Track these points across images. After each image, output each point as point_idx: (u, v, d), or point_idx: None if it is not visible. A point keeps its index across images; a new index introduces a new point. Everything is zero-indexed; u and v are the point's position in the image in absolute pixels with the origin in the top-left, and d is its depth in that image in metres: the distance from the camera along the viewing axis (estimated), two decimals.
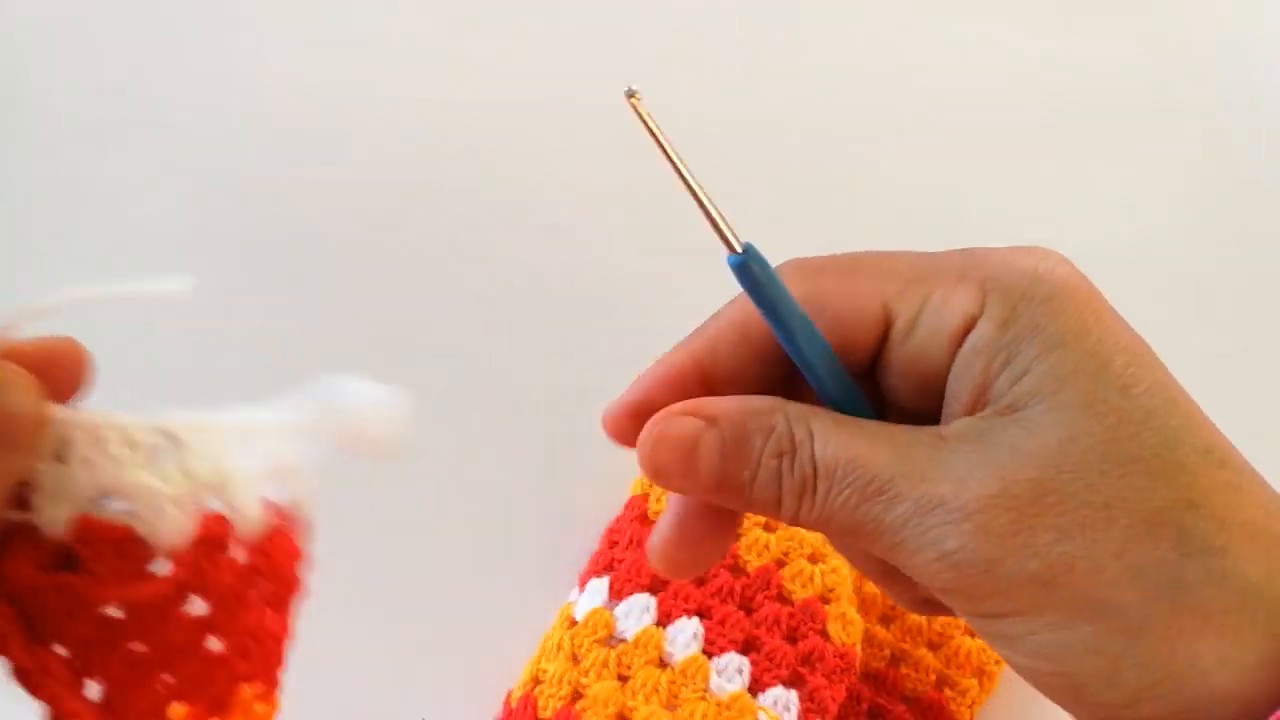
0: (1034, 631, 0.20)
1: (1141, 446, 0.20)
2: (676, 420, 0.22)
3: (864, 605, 0.40)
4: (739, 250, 0.22)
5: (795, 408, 0.22)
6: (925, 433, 0.21)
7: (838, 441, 0.21)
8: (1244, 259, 0.45)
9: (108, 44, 0.47)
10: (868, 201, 0.46)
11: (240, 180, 0.45)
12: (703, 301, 0.24)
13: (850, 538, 0.22)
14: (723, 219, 0.22)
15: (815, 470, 0.21)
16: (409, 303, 0.44)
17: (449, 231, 0.46)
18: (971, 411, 0.21)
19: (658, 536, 0.24)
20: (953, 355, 0.21)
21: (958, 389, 0.21)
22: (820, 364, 0.22)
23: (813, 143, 0.47)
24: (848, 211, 0.45)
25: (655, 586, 0.38)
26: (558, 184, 0.47)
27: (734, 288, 0.23)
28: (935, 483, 0.20)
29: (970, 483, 0.20)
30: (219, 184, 0.45)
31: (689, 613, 0.38)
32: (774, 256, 0.22)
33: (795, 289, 0.22)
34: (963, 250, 0.22)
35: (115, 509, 0.20)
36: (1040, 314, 0.21)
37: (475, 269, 0.45)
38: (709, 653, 0.37)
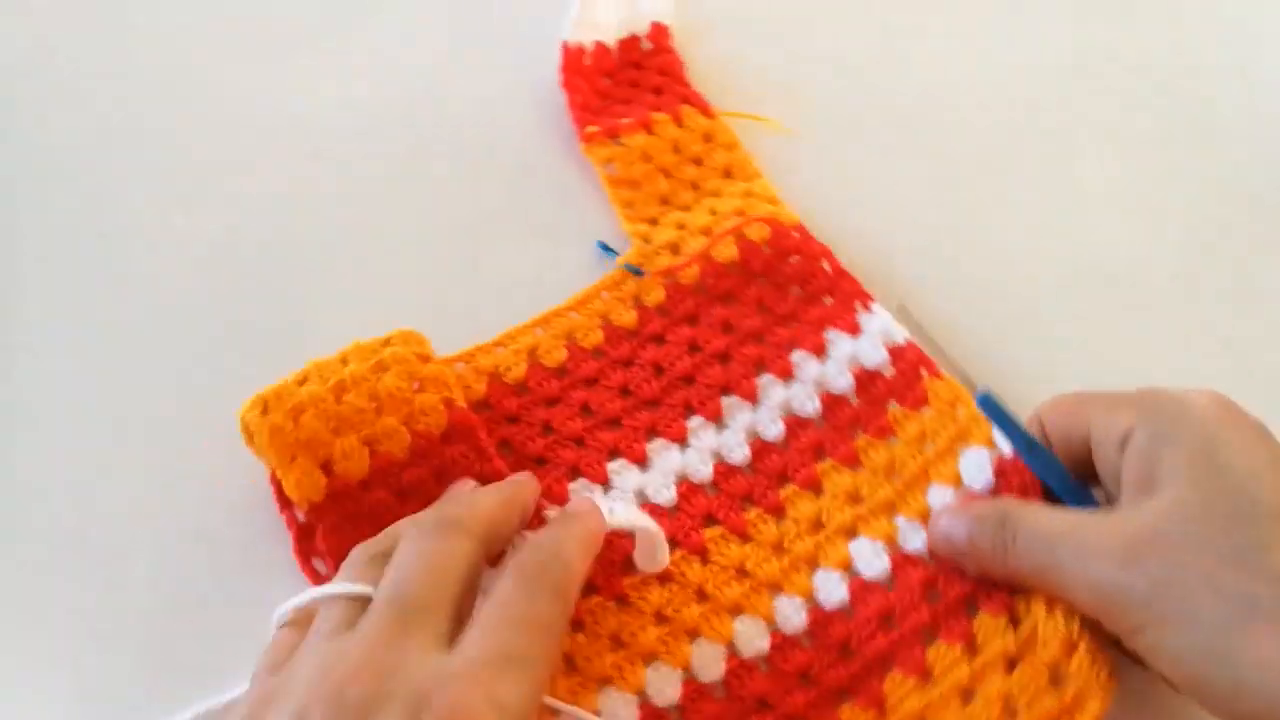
0: (1154, 641, 0.30)
1: (1229, 509, 0.30)
2: (945, 517, 0.37)
3: None
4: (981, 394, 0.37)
5: (1013, 503, 0.35)
6: (1093, 514, 0.33)
7: (1033, 520, 0.34)
8: (1241, 260, 0.46)
9: (110, 47, 0.50)
10: (867, 197, 0.47)
11: (246, 186, 0.47)
12: None
13: (1035, 580, 0.34)
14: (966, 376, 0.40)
15: (1015, 537, 0.34)
16: (413, 305, 0.44)
17: (458, 233, 0.47)
18: (1129, 494, 0.33)
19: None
20: (1120, 457, 0.33)
21: (1123, 480, 0.33)
22: (1036, 464, 0.37)
23: (814, 141, 0.48)
24: (853, 206, 0.46)
25: None
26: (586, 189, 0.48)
27: None
28: (1089, 540, 0.32)
29: (1111, 537, 0.32)
30: (224, 191, 0.47)
31: None
32: None
33: (1050, 416, 0.37)
34: (1144, 389, 0.35)
35: None
36: (1171, 427, 0.32)
37: (488, 272, 0.46)
38: None
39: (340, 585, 0.30)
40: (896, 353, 0.42)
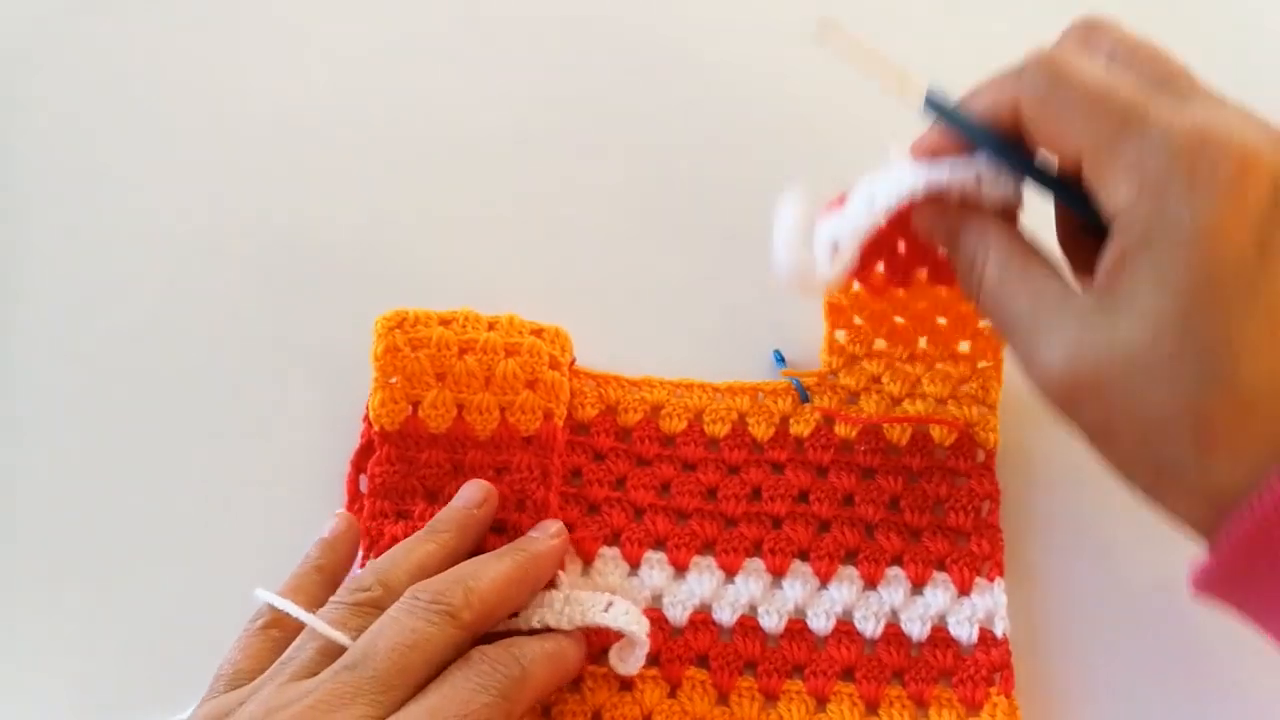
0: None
1: (1180, 368, 0.26)
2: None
3: None
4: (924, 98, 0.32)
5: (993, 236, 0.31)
6: (1057, 295, 0.29)
7: (996, 285, 0.31)
8: None
9: (109, 41, 0.48)
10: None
11: (244, 182, 0.46)
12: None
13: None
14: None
15: (980, 286, 0.31)
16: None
17: (454, 235, 0.45)
18: (1098, 280, 0.28)
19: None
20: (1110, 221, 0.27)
21: (1101, 260, 0.28)
22: (997, 155, 0.31)
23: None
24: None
25: None
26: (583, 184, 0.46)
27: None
28: (1045, 343, 0.29)
29: (1060, 352, 0.28)
30: (222, 186, 0.45)
31: None
32: None
33: (1034, 116, 0.29)
34: (1144, 126, 0.27)
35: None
36: (1165, 236, 0.26)
37: (487, 270, 0.44)
38: None
39: (322, 625, 0.31)
40: (987, 641, 0.37)
